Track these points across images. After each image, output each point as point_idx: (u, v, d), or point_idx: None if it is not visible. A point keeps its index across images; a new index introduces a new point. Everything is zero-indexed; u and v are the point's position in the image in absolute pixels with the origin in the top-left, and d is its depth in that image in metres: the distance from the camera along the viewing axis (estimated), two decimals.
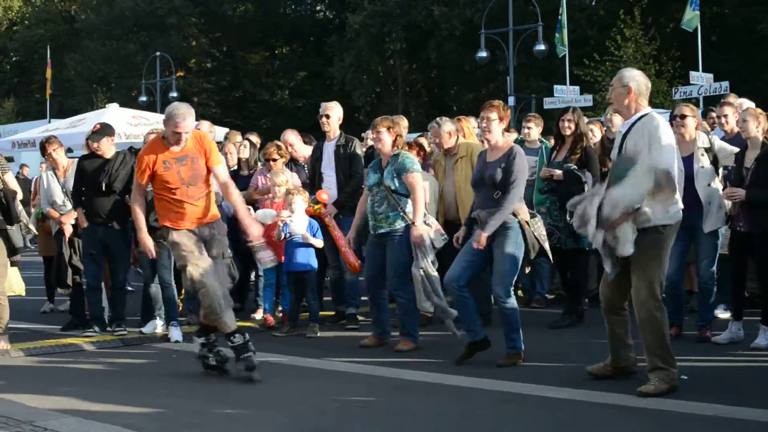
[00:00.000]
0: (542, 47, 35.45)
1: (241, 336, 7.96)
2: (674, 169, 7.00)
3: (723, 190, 8.90)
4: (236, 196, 8.30)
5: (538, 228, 8.35)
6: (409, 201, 9.10)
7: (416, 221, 8.99)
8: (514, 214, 8.21)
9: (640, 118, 7.13)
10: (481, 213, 8.28)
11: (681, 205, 7.23)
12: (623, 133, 7.23)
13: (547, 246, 8.41)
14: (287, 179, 10.73)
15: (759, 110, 9.19)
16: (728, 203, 8.91)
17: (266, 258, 9.15)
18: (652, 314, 6.99)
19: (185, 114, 7.89)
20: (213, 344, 8.19)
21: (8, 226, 9.30)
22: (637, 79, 7.23)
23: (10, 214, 9.28)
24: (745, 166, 8.80)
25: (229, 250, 8.28)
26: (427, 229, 9.12)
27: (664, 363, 7.00)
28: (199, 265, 7.79)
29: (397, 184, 9.11)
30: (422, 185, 9.16)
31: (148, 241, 8.41)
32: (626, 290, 7.26)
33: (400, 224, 9.10)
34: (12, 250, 9.41)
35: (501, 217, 8.13)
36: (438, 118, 10.65)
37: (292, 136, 11.63)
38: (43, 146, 11.05)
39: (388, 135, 9.25)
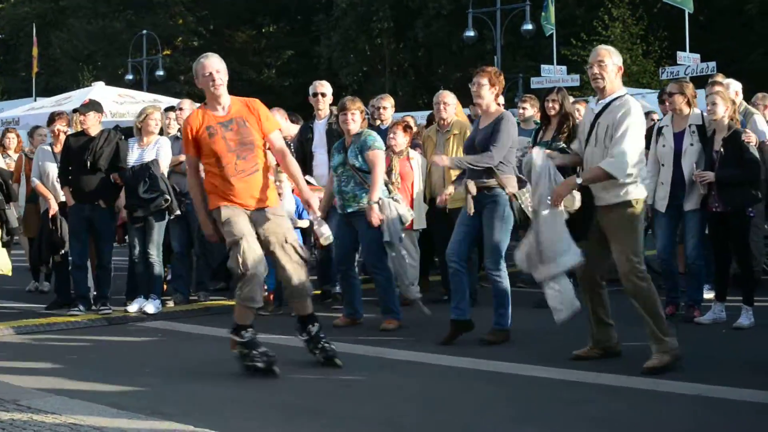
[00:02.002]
0: (530, 27, 35.43)
1: (252, 332, 7.32)
2: (635, 155, 7.06)
3: (693, 172, 8.93)
4: (293, 168, 7.50)
5: (526, 199, 8.23)
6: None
7: (372, 199, 9.03)
8: (502, 187, 8.25)
9: (615, 98, 7.18)
10: (470, 182, 8.28)
11: (648, 179, 7.40)
12: (597, 112, 7.25)
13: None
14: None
15: (728, 94, 9.22)
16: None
17: (325, 233, 7.87)
18: (636, 285, 7.06)
19: (209, 55, 7.34)
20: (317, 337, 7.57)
21: (6, 207, 9.26)
22: (621, 59, 7.32)
23: (9, 194, 9.26)
24: (715, 149, 8.85)
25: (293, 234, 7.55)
26: (396, 204, 9.17)
27: (662, 332, 7.06)
28: (253, 248, 7.07)
29: (360, 162, 9.15)
30: (383, 163, 9.22)
31: (209, 226, 7.40)
32: (601, 266, 7.42)
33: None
34: (8, 231, 9.37)
35: (475, 161, 8.22)
36: (441, 91, 10.81)
37: (277, 115, 11.59)
38: (53, 118, 11.06)
39: (360, 116, 9.31)
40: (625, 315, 7.53)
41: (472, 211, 8.26)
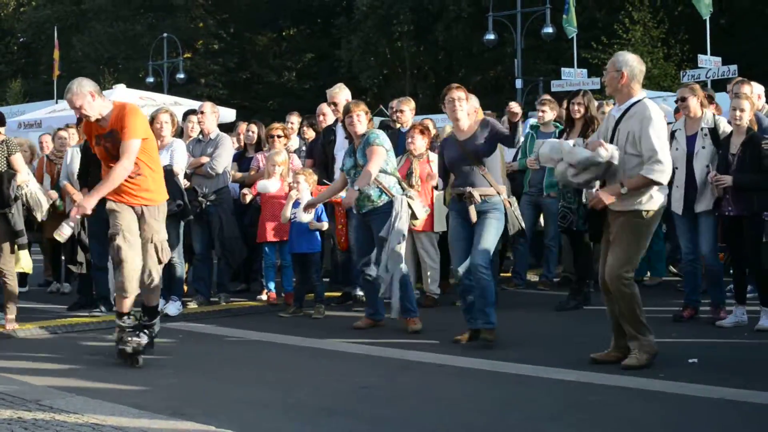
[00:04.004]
0: (550, 30, 35.34)
1: (131, 319, 7.83)
2: (665, 157, 7.11)
3: (709, 175, 8.90)
4: (115, 173, 7.56)
5: (517, 208, 8.68)
6: (386, 176, 9.15)
7: (356, 185, 9.04)
8: (499, 194, 8.38)
9: (633, 104, 7.16)
10: (474, 191, 8.34)
11: (666, 190, 7.41)
12: (617, 118, 7.26)
13: (524, 224, 8.70)
14: (285, 159, 10.75)
15: (751, 99, 9.19)
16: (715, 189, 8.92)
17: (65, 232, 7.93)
18: (622, 291, 7.19)
19: (70, 88, 7.66)
20: (143, 326, 7.93)
21: (6, 210, 9.25)
22: (630, 64, 7.24)
23: (2, 196, 9.22)
24: (731, 152, 8.81)
25: (163, 234, 7.93)
26: (410, 201, 9.17)
27: (638, 331, 7.20)
28: (128, 239, 7.63)
29: (366, 161, 9.14)
30: (380, 158, 9.13)
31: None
32: None
33: (383, 199, 9.09)
34: (14, 233, 9.35)
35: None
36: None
37: (325, 107, 11.57)
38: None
39: (365, 117, 9.31)
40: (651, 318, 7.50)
41: (475, 218, 8.33)
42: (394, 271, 8.94)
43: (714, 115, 9.30)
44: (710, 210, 8.99)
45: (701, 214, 9.04)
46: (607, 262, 7.24)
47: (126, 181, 7.63)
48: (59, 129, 12.93)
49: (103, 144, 7.73)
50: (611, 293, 7.38)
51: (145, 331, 7.87)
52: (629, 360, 7.19)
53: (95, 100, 7.63)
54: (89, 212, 7.77)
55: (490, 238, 8.32)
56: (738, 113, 8.76)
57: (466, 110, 8.59)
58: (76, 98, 7.58)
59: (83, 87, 7.62)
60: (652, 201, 7.16)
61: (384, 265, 8.91)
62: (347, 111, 9.37)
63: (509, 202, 8.49)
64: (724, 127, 9.11)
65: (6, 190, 9.24)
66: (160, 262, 7.90)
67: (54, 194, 11.21)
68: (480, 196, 8.34)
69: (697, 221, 9.11)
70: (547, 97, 13.03)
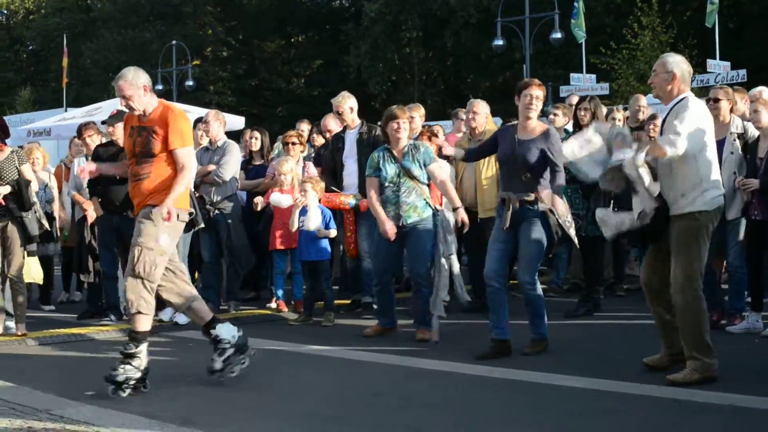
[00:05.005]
0: (558, 35, 35.32)
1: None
2: (702, 150, 6.93)
3: (736, 180, 8.83)
4: (177, 183, 7.25)
5: (563, 214, 8.20)
6: (426, 188, 9.20)
7: (459, 204, 9.05)
8: (538, 200, 8.17)
9: (678, 102, 7.06)
10: (512, 196, 8.20)
11: (720, 191, 7.13)
12: (664, 118, 7.17)
13: (572, 232, 8.26)
14: (292, 168, 10.74)
15: (763, 100, 9.14)
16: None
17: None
18: (688, 302, 6.91)
19: (125, 76, 7.24)
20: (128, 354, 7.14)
21: (23, 213, 9.34)
22: (680, 66, 7.14)
23: (22, 201, 9.34)
24: (759, 156, 8.76)
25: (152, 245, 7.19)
26: (447, 213, 9.18)
27: (700, 353, 6.92)
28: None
29: (424, 175, 9.14)
30: None
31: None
32: (665, 273, 7.16)
33: (428, 213, 9.11)
34: (28, 239, 9.44)
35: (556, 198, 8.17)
36: (473, 100, 10.85)
37: (332, 122, 11.55)
38: (80, 130, 11.19)
39: (410, 125, 9.33)
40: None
41: (507, 225, 8.21)
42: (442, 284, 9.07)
43: (743, 120, 9.24)
44: (739, 217, 8.94)
45: (730, 221, 8.94)
46: (672, 275, 6.97)
47: (133, 181, 7.34)
48: (75, 137, 13.00)
49: (134, 137, 7.30)
50: (660, 301, 7.27)
51: (130, 363, 7.09)
52: (676, 375, 6.93)
53: (146, 94, 7.25)
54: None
55: (532, 253, 8.22)
56: (752, 115, 8.72)
57: (539, 110, 8.38)
58: (129, 87, 7.19)
59: (139, 78, 7.22)
60: (706, 200, 6.94)
61: (437, 278, 9.02)
62: (394, 117, 9.21)
63: (551, 210, 8.11)
64: (752, 132, 9.05)
65: (26, 195, 9.35)
66: (134, 273, 7.14)
67: (65, 218, 11.48)
68: (519, 202, 8.19)
69: (726, 228, 9.00)
70: (569, 103, 13.05)
